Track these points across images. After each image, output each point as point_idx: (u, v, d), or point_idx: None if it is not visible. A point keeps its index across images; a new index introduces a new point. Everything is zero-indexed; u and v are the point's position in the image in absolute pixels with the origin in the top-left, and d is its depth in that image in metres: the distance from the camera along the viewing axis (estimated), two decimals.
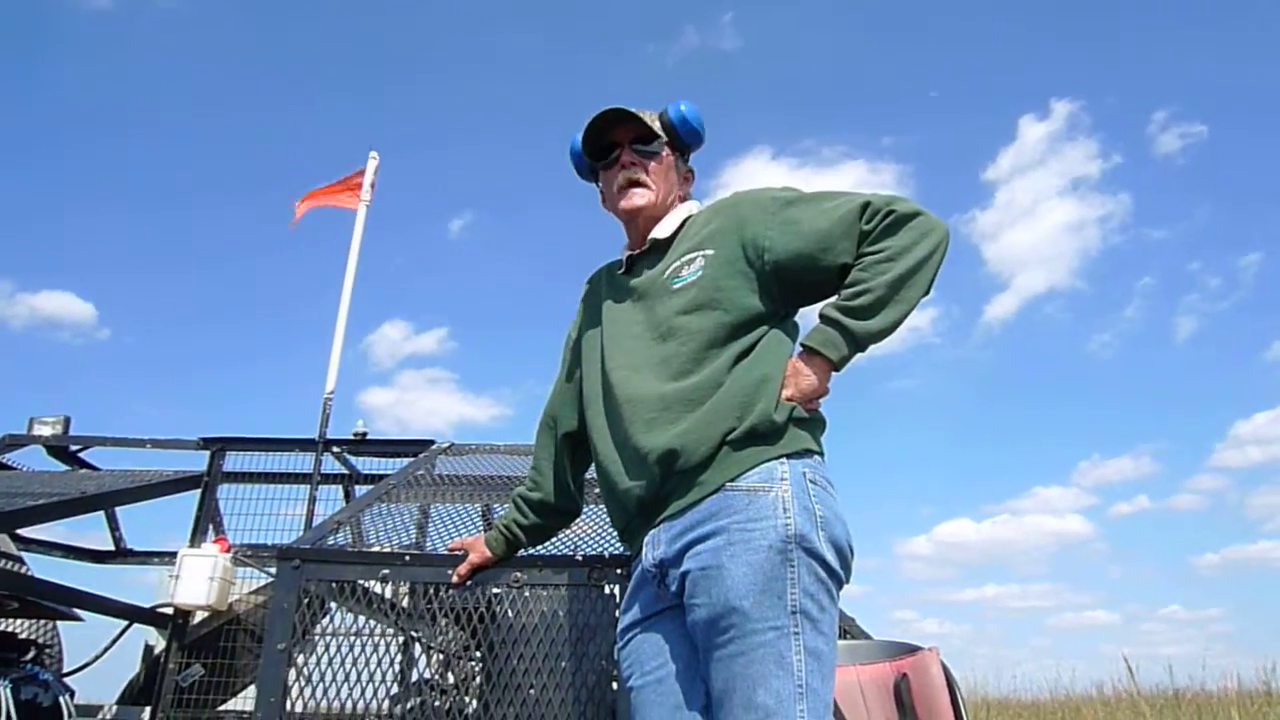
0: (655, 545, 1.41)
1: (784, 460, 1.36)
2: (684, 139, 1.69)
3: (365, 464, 4.09)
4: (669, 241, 1.62)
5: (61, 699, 2.62)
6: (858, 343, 1.43)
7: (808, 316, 1.58)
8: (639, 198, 1.63)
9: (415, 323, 19.11)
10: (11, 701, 2.37)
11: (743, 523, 1.30)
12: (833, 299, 1.48)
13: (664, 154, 1.67)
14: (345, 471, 4.08)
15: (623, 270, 1.69)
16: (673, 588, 1.37)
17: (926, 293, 1.45)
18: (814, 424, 1.45)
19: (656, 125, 1.66)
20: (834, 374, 1.46)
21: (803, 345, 1.47)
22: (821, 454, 1.44)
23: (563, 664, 1.81)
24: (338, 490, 4.09)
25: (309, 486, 3.78)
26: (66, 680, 2.91)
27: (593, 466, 1.65)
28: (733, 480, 1.34)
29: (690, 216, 1.65)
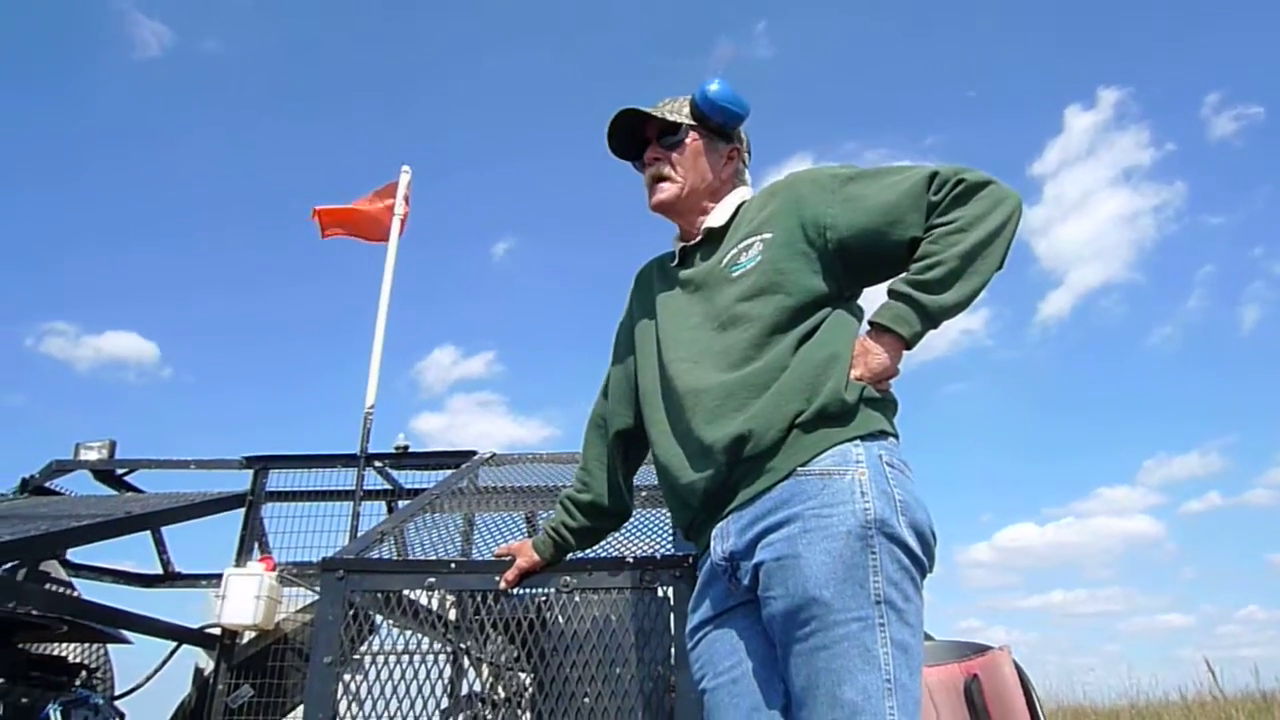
0: (724, 538, 1.33)
1: (858, 442, 1.29)
2: (712, 119, 1.59)
3: (408, 478, 4.09)
4: (723, 230, 1.56)
5: None
6: (930, 318, 1.35)
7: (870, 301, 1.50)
8: (663, 193, 1.58)
9: (464, 347, 19.22)
10: None
11: (818, 508, 1.22)
12: (901, 274, 1.40)
13: (687, 141, 1.59)
14: (388, 486, 4.07)
15: (675, 262, 1.63)
16: (745, 581, 1.29)
17: (1000, 266, 1.37)
18: (886, 405, 1.37)
19: (684, 112, 1.59)
20: (905, 352, 1.38)
21: (871, 322, 1.39)
22: (896, 436, 1.36)
23: (617, 670, 1.74)
24: (381, 506, 4.08)
25: (352, 503, 3.75)
26: (117, 703, 2.89)
27: (650, 464, 1.59)
28: (804, 464, 1.27)
29: (744, 202, 1.59)
